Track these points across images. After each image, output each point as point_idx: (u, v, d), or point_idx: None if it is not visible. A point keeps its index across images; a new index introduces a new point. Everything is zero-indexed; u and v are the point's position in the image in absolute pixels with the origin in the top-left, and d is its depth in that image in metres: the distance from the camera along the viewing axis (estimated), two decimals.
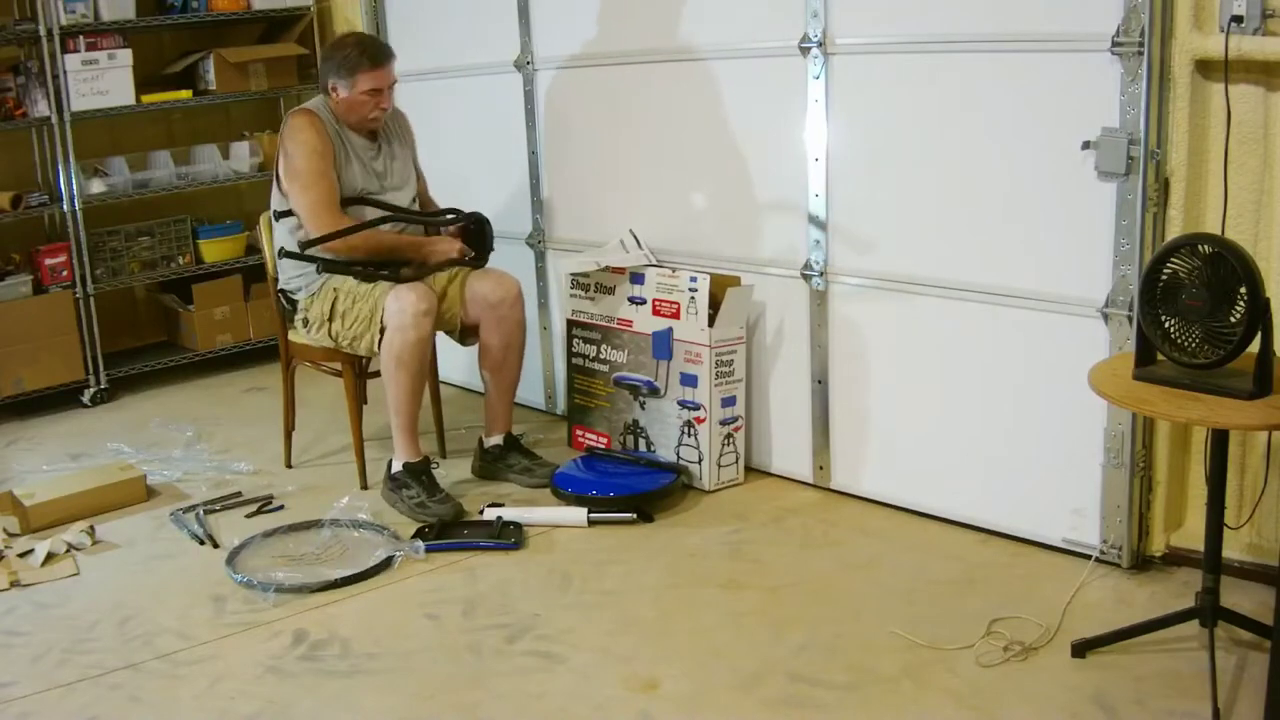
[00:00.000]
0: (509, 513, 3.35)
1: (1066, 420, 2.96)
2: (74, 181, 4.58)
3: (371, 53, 3.43)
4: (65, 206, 4.60)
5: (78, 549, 3.34)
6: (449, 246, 3.55)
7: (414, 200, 3.70)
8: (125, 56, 4.63)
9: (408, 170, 3.68)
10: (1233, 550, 2.80)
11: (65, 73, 4.48)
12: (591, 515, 3.31)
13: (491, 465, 3.71)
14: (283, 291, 3.68)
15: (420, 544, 3.17)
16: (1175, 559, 2.92)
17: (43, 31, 4.42)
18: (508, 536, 3.22)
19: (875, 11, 3.14)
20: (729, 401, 3.55)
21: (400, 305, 3.32)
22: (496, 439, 3.73)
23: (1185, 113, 2.69)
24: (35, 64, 4.48)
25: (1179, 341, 2.33)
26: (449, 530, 3.27)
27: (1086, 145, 2.78)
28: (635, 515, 3.32)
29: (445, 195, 4.23)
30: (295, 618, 2.90)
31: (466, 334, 3.68)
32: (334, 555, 3.21)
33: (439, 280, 3.61)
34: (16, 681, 2.65)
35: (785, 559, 3.12)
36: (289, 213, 3.50)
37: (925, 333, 3.21)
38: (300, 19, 5.13)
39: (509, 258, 4.33)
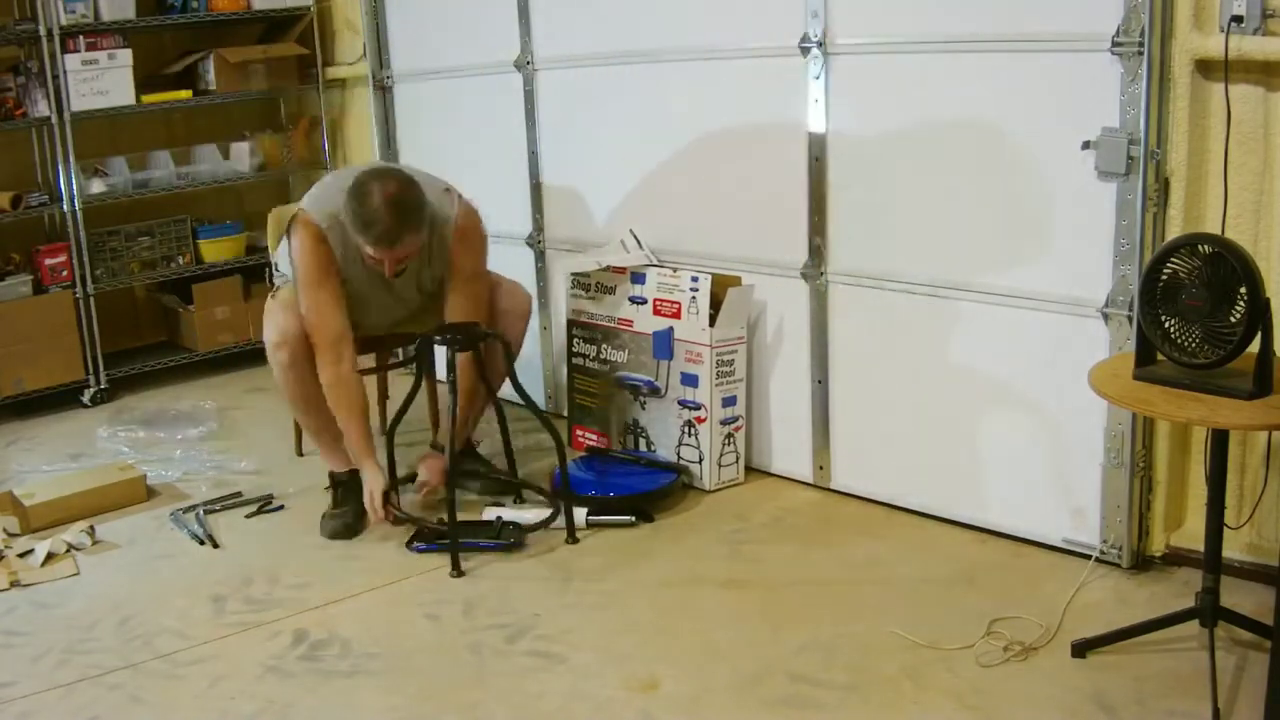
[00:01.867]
0: (507, 513, 3.35)
1: (1066, 420, 2.96)
2: (74, 181, 4.57)
3: (375, 234, 3.02)
4: (65, 206, 4.59)
5: (78, 549, 3.34)
6: (373, 485, 3.21)
7: (421, 301, 3.45)
8: (125, 56, 4.63)
9: (424, 284, 3.39)
10: (1233, 550, 2.80)
11: (65, 73, 4.48)
12: (589, 518, 3.30)
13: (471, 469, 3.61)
14: (270, 275, 3.77)
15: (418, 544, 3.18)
16: (1175, 559, 2.92)
17: (43, 31, 4.42)
18: (507, 536, 3.20)
19: (875, 11, 3.14)
20: (729, 401, 3.55)
21: (266, 332, 3.25)
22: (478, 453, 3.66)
23: (1185, 113, 2.69)
24: (35, 64, 4.47)
25: (1179, 341, 2.33)
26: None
27: (1086, 145, 2.78)
28: (634, 518, 3.30)
29: None
30: (295, 618, 2.90)
31: None
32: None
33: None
34: (16, 681, 2.65)
35: (785, 559, 3.12)
36: None
37: (925, 333, 3.21)
38: (300, 19, 5.13)
39: (509, 258, 4.34)
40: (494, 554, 3.18)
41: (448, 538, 3.11)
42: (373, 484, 3.22)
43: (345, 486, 3.42)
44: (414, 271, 3.34)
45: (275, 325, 3.24)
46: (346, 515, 3.36)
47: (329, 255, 3.19)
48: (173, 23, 4.89)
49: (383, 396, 4.00)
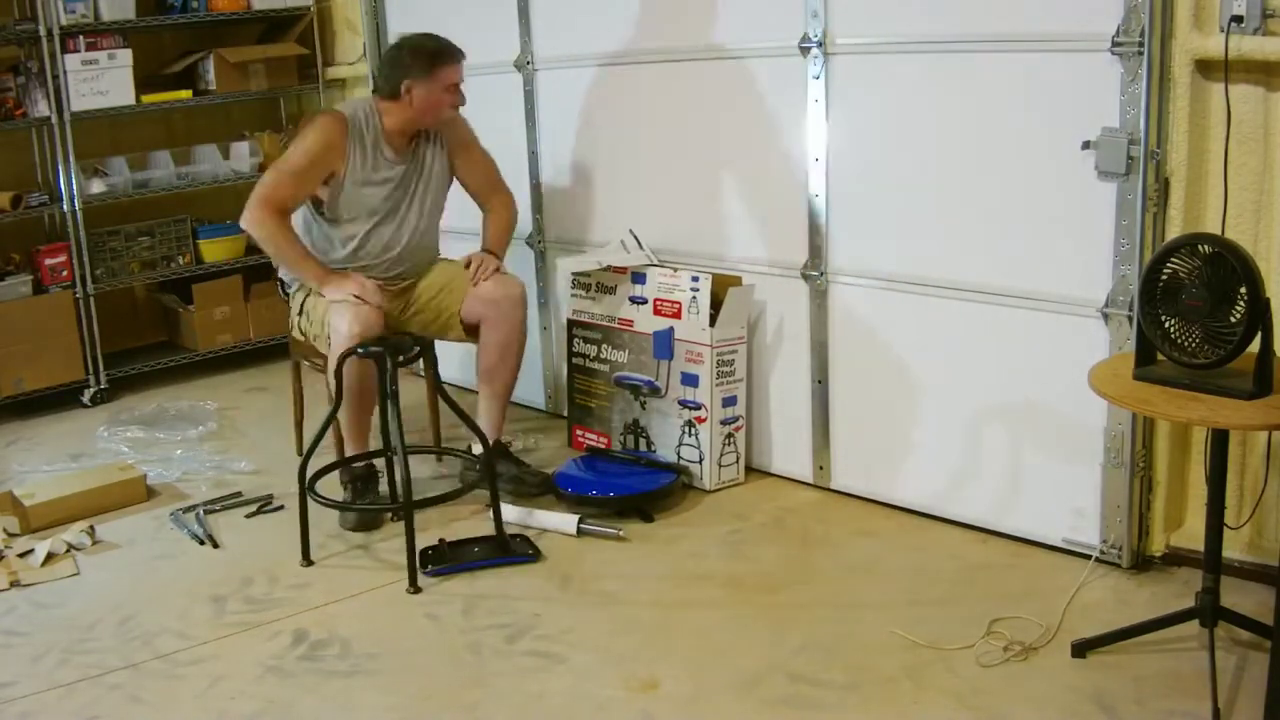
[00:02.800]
0: (509, 512, 3.34)
1: (1066, 420, 2.96)
2: (74, 181, 4.58)
3: (452, 47, 3.46)
4: (65, 206, 4.60)
5: (78, 549, 3.34)
6: (345, 284, 3.33)
7: (433, 227, 3.63)
8: (125, 56, 4.63)
9: (438, 197, 3.62)
10: (1233, 550, 2.80)
11: (65, 73, 4.48)
12: (580, 526, 3.28)
13: (475, 475, 3.58)
14: (280, 281, 3.75)
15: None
16: (1175, 559, 2.92)
17: (43, 31, 4.43)
18: (521, 550, 3.17)
19: (875, 11, 3.14)
20: (730, 401, 3.55)
21: (337, 326, 3.27)
22: (478, 448, 3.59)
23: (1185, 113, 2.69)
24: (35, 64, 4.48)
25: (1179, 341, 2.33)
26: (459, 551, 3.18)
27: (1086, 145, 2.78)
28: (621, 531, 3.24)
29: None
30: (295, 617, 2.90)
31: (470, 333, 3.60)
32: None
33: (431, 286, 3.58)
34: (16, 681, 2.66)
35: (785, 559, 3.12)
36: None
37: (925, 333, 3.21)
38: (300, 19, 5.13)
39: (509, 258, 4.34)
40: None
41: (459, 560, 3.10)
42: (356, 276, 3.37)
43: (363, 480, 3.47)
44: (424, 181, 3.54)
45: (356, 316, 3.25)
46: (361, 515, 3.38)
47: (341, 143, 3.39)
48: (173, 23, 4.90)
49: (433, 408, 3.93)
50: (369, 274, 3.49)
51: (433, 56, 3.40)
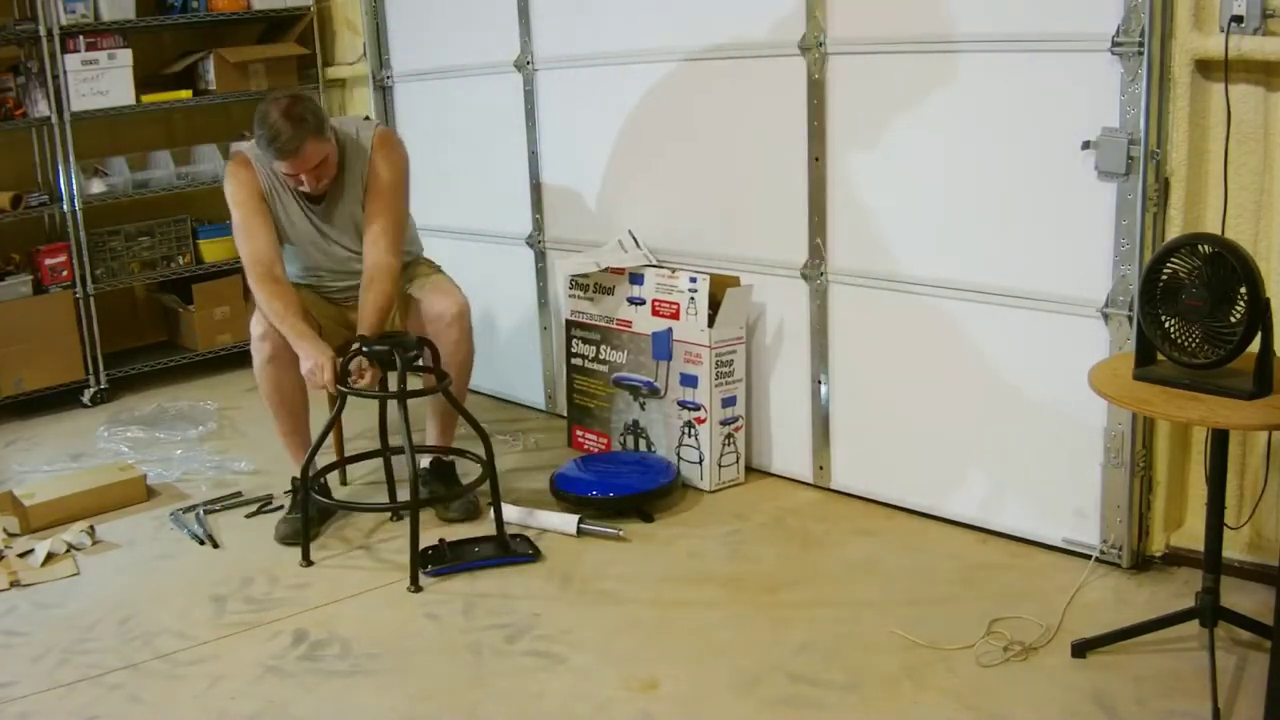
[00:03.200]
0: (509, 511, 3.34)
1: (1066, 420, 2.96)
2: (74, 181, 4.58)
3: (279, 145, 3.12)
4: (65, 206, 4.60)
5: (78, 549, 3.34)
6: (320, 366, 3.10)
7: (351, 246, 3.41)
8: (125, 56, 4.63)
9: (355, 213, 3.37)
10: (1233, 550, 2.80)
11: (65, 73, 4.48)
12: (581, 526, 3.28)
13: (431, 493, 3.50)
14: None
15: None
16: (1175, 559, 2.92)
17: (43, 31, 4.42)
18: (521, 549, 3.17)
19: (875, 11, 3.14)
20: (729, 402, 3.55)
21: (251, 324, 3.26)
22: (424, 462, 3.51)
23: (1185, 113, 2.69)
24: (35, 64, 4.48)
25: (1179, 341, 2.33)
26: (459, 551, 3.17)
27: (1086, 145, 2.78)
28: (621, 531, 3.24)
29: (446, 195, 4.26)
30: (295, 617, 2.90)
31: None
32: None
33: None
34: (16, 681, 2.65)
35: (785, 559, 3.12)
36: None
37: (925, 333, 3.21)
38: (300, 19, 5.13)
39: (509, 258, 4.35)
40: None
41: (460, 560, 3.10)
42: (319, 355, 3.10)
43: (295, 492, 3.42)
44: (346, 202, 3.34)
45: (261, 317, 3.25)
46: (299, 519, 3.27)
47: (255, 183, 3.28)
48: (173, 23, 4.90)
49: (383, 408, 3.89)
50: (319, 289, 3.47)
51: (262, 147, 3.18)
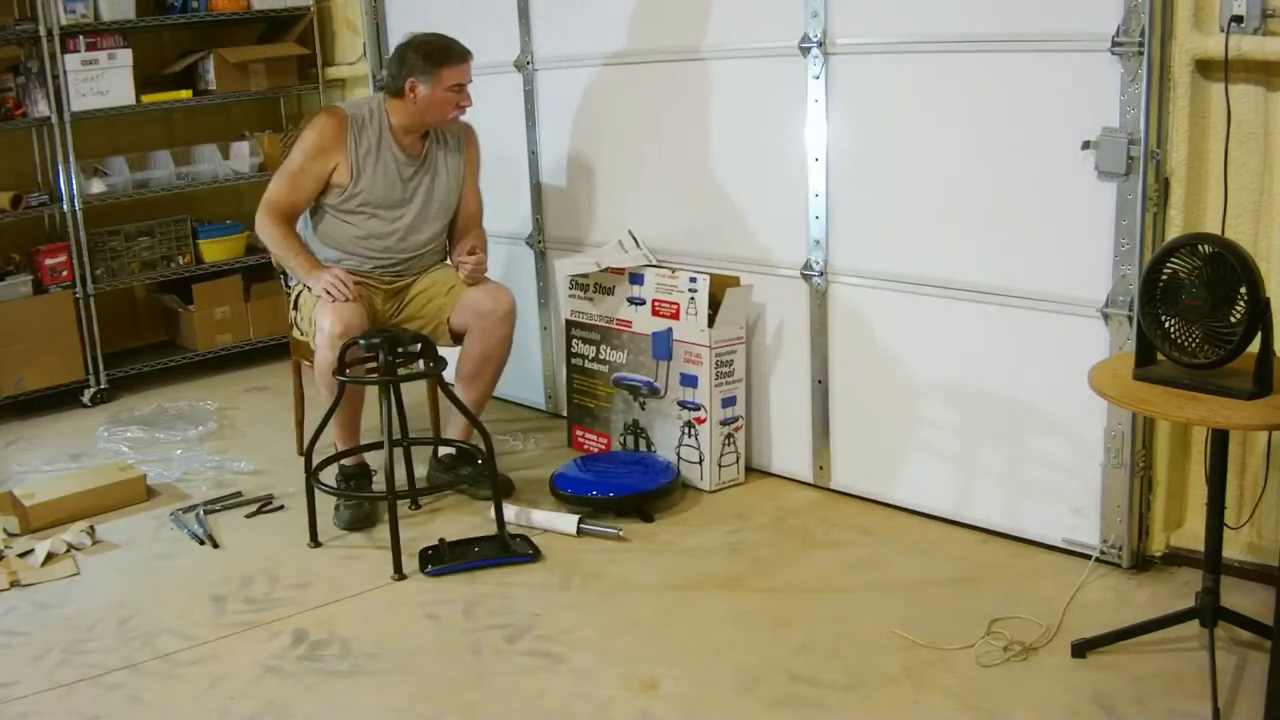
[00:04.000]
0: (508, 511, 3.35)
1: (1066, 420, 2.96)
2: (74, 181, 4.58)
3: (458, 47, 3.43)
4: (65, 206, 4.60)
5: (78, 549, 3.34)
6: (321, 277, 3.30)
7: (440, 231, 3.60)
8: (125, 56, 4.63)
9: (448, 198, 3.58)
10: (1233, 550, 2.80)
11: (65, 73, 4.48)
12: (581, 526, 3.28)
13: (444, 475, 3.63)
14: (283, 274, 3.79)
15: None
16: (1175, 559, 2.92)
17: (43, 31, 4.42)
18: (521, 549, 3.17)
19: (875, 11, 3.14)
20: (729, 402, 3.55)
21: (320, 324, 3.28)
22: (450, 449, 3.63)
23: (1185, 113, 2.69)
24: (35, 64, 4.48)
25: (1179, 341, 2.33)
26: (459, 550, 3.18)
27: (1086, 145, 2.78)
28: (620, 531, 3.25)
29: None
30: (295, 617, 2.90)
31: (458, 339, 3.57)
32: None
33: (425, 291, 3.55)
34: (16, 681, 2.65)
35: (785, 559, 3.12)
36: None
37: (925, 333, 3.21)
38: (300, 19, 5.13)
39: (509, 258, 4.35)
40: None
41: (460, 560, 3.11)
42: (334, 270, 3.34)
43: (356, 480, 3.49)
44: (443, 179, 3.54)
45: (339, 316, 3.24)
46: (362, 505, 3.40)
47: (334, 146, 3.41)
48: (173, 23, 4.90)
49: (433, 405, 3.91)
50: (368, 269, 3.50)
51: (437, 55, 3.38)
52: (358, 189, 3.44)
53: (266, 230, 3.42)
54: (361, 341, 3.16)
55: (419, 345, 3.21)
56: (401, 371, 3.29)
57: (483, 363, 3.49)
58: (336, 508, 3.42)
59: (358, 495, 3.44)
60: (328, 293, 3.27)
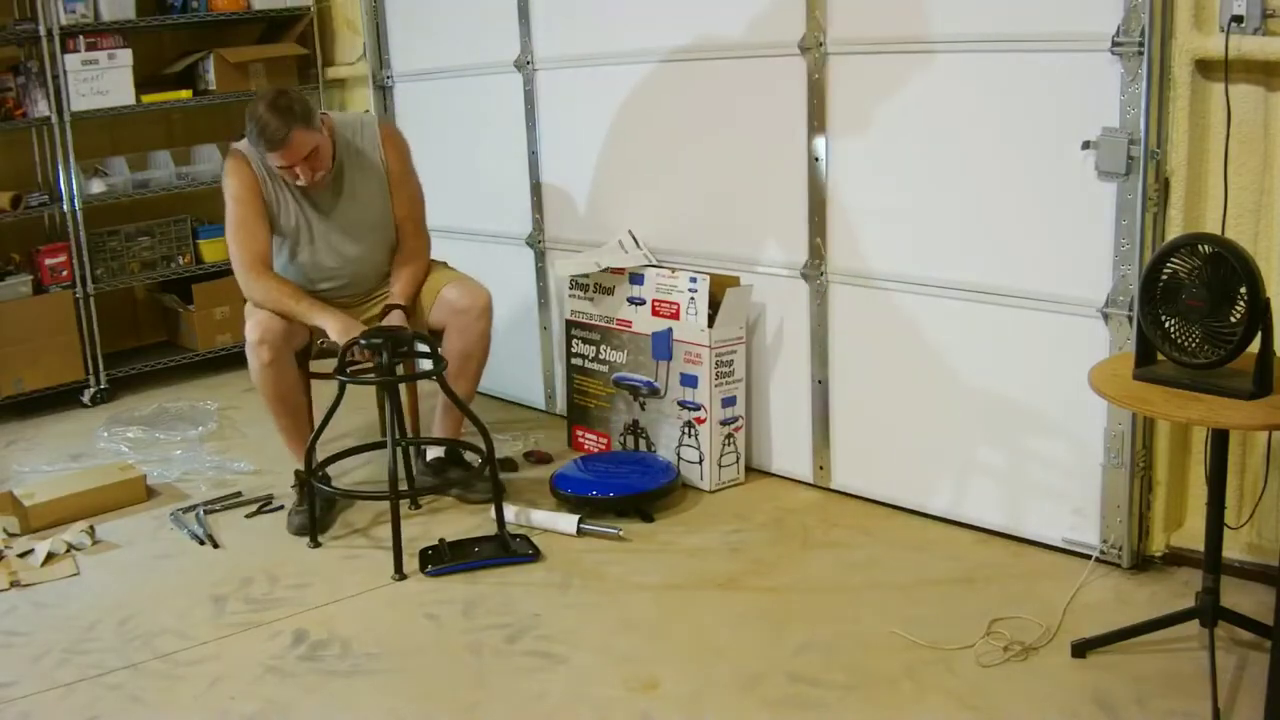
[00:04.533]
0: (507, 511, 3.35)
1: (1066, 420, 2.96)
2: (74, 181, 4.58)
3: (266, 135, 3.16)
4: (65, 206, 4.60)
5: (78, 549, 3.34)
6: (340, 328, 3.24)
7: (383, 242, 3.49)
8: (125, 56, 4.63)
9: (373, 215, 3.45)
10: (1233, 550, 2.80)
11: (65, 73, 4.48)
12: (581, 526, 3.28)
13: (431, 477, 3.61)
14: None
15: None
16: (1175, 559, 2.92)
17: (43, 31, 4.43)
18: (522, 550, 3.16)
19: (876, 11, 3.14)
20: (729, 402, 3.55)
21: (247, 331, 3.29)
22: (438, 451, 3.63)
23: (1185, 113, 2.69)
24: (35, 64, 4.48)
25: (1179, 341, 2.33)
26: (459, 550, 3.18)
27: (1086, 145, 2.78)
28: (620, 530, 3.25)
29: (446, 195, 4.25)
30: (295, 617, 2.90)
31: (434, 336, 3.53)
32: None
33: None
34: (16, 681, 2.65)
35: (785, 559, 3.12)
36: None
37: (926, 333, 3.21)
38: (300, 19, 5.13)
39: (509, 258, 4.35)
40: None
41: (460, 560, 3.11)
42: (348, 322, 3.26)
43: (302, 486, 3.47)
44: (359, 199, 3.40)
45: (256, 322, 3.29)
46: (299, 515, 3.39)
47: (252, 177, 3.34)
48: (173, 23, 4.90)
49: (413, 408, 3.86)
50: (328, 290, 3.48)
51: (252, 141, 3.23)
52: (279, 225, 3.40)
53: (256, 291, 3.32)
54: (363, 341, 3.15)
55: (422, 344, 3.21)
56: (402, 371, 3.29)
57: (464, 360, 3.47)
58: (290, 512, 3.44)
59: (360, 495, 3.44)
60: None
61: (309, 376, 3.49)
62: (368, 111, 3.45)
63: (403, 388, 3.60)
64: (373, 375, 3.23)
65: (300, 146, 3.20)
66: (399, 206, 3.50)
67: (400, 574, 3.07)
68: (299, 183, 3.29)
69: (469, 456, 3.63)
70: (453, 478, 3.58)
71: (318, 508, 3.36)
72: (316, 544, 3.27)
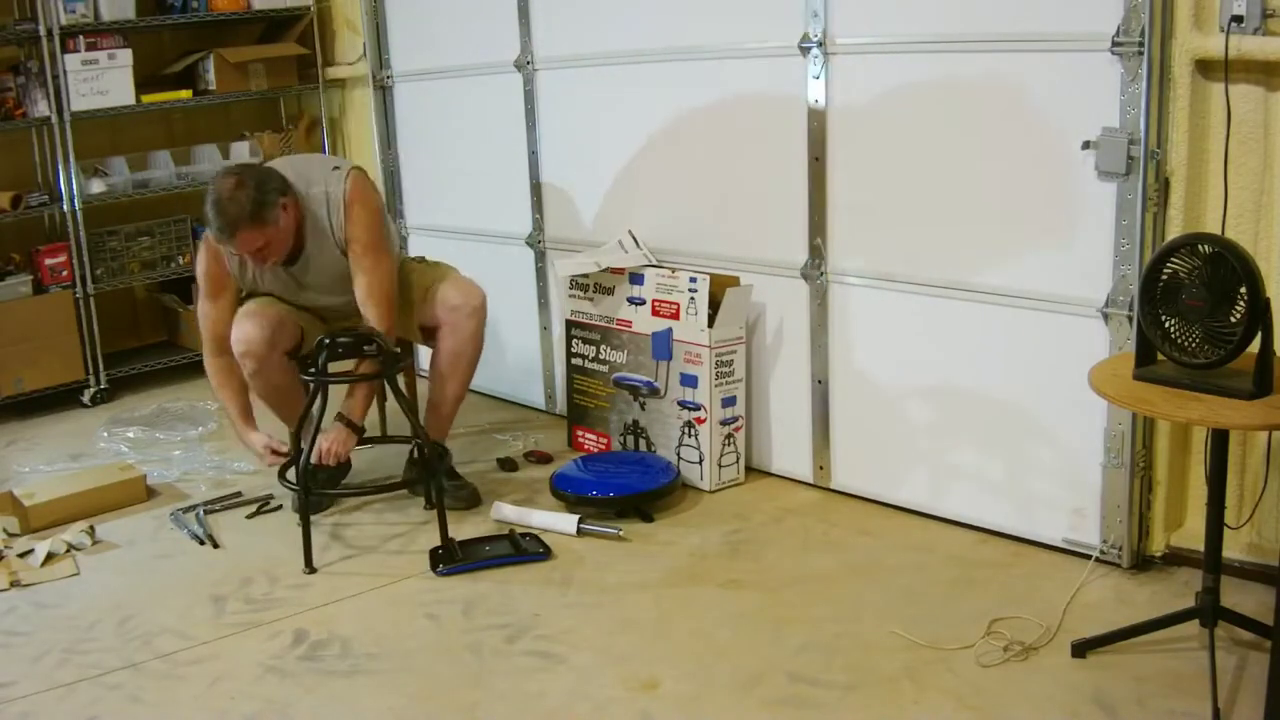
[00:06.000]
0: (507, 511, 3.35)
1: (1066, 420, 2.96)
2: (74, 181, 4.58)
3: (215, 230, 3.16)
4: (65, 206, 4.60)
5: (78, 549, 3.34)
6: (254, 442, 3.44)
7: (344, 302, 3.41)
8: (125, 56, 4.63)
9: (335, 274, 3.36)
10: (1233, 550, 2.80)
11: (65, 73, 4.48)
12: (580, 525, 3.28)
13: (417, 476, 3.57)
14: None
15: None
16: (1175, 559, 2.92)
17: (43, 31, 4.43)
18: (532, 548, 3.16)
19: (875, 11, 3.14)
20: (729, 402, 3.55)
21: (233, 338, 3.35)
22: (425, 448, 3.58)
23: (1185, 113, 2.69)
24: (35, 64, 4.48)
25: (1179, 341, 2.33)
26: (470, 550, 3.17)
27: (1086, 145, 2.78)
28: (620, 530, 3.25)
29: (446, 195, 4.26)
30: (295, 617, 2.90)
31: (429, 337, 3.55)
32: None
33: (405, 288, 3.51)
34: (16, 681, 2.65)
35: (785, 559, 3.12)
36: None
37: (925, 333, 3.21)
38: (300, 19, 5.13)
39: (509, 258, 4.35)
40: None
41: (471, 559, 3.11)
42: (257, 440, 3.43)
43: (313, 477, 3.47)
44: (322, 260, 3.35)
45: (240, 336, 3.33)
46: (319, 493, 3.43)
47: (217, 267, 3.38)
48: (173, 23, 4.90)
49: (382, 398, 3.93)
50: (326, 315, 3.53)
51: (207, 222, 3.21)
52: (263, 284, 3.42)
53: (208, 368, 3.47)
54: (328, 340, 3.17)
55: (372, 344, 3.18)
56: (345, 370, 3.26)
57: (454, 359, 3.46)
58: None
59: (359, 493, 3.43)
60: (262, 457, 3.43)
61: (307, 379, 3.45)
62: (337, 169, 3.32)
63: (403, 385, 3.60)
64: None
65: (246, 243, 3.17)
66: (358, 283, 3.30)
67: (311, 568, 3.14)
68: (253, 265, 3.33)
69: (461, 458, 3.66)
70: (411, 477, 3.59)
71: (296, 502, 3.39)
72: (312, 569, 3.16)
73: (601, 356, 3.84)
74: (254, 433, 3.46)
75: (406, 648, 2.74)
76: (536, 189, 4.23)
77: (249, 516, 3.55)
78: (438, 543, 3.19)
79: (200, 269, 3.42)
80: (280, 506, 3.58)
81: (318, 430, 3.20)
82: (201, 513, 3.55)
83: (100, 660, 2.74)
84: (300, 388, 3.39)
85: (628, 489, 3.40)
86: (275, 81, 5.07)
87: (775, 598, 2.90)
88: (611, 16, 3.82)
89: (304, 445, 3.23)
